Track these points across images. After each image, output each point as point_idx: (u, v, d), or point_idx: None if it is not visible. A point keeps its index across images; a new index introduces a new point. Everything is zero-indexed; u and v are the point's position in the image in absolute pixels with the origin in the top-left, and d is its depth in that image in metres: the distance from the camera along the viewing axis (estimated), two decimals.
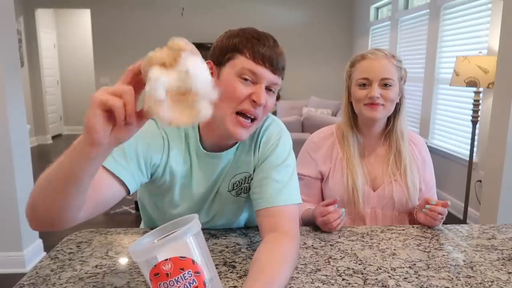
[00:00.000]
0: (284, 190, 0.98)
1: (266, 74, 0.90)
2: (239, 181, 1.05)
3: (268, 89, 0.93)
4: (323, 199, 1.35)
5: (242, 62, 0.90)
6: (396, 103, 1.29)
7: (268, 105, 0.93)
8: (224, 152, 1.02)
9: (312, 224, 1.18)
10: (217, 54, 0.94)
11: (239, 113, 0.91)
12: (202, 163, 1.02)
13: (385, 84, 1.24)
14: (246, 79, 0.90)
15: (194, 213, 0.88)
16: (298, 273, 0.90)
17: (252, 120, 0.93)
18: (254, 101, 0.90)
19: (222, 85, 0.89)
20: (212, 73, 0.89)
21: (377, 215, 1.30)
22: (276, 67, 0.91)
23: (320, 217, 1.12)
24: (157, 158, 0.97)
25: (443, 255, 1.00)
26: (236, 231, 1.13)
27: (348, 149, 1.31)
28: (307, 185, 1.33)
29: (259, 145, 1.03)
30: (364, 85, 1.25)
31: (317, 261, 0.96)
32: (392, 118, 1.32)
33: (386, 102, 1.24)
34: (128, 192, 0.91)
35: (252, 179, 1.04)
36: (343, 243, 1.07)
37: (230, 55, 0.92)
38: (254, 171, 1.04)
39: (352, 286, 0.85)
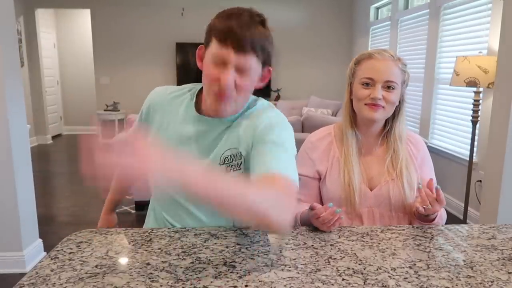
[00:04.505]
0: (282, 161, 0.97)
1: (230, 57, 0.96)
2: (230, 156, 1.09)
3: (242, 70, 0.97)
4: (321, 199, 1.35)
5: (213, 46, 0.98)
6: (396, 105, 1.29)
7: (240, 85, 0.99)
8: (213, 118, 1.09)
9: (310, 225, 1.18)
10: (205, 37, 1.03)
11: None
12: (188, 119, 1.11)
13: (388, 87, 1.24)
14: (216, 63, 0.98)
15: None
16: (298, 273, 0.90)
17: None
18: (219, 83, 0.97)
19: (203, 69, 1.02)
20: (201, 55, 1.04)
21: (374, 215, 1.30)
22: (242, 46, 0.94)
23: (315, 218, 1.13)
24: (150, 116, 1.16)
25: (443, 255, 1.00)
26: (236, 231, 1.13)
27: (347, 147, 1.31)
28: (305, 185, 1.33)
29: (258, 127, 1.05)
30: (367, 84, 1.25)
31: (317, 261, 0.96)
32: (390, 120, 1.32)
33: (387, 104, 1.24)
34: None
35: (241, 156, 1.08)
36: (343, 243, 1.07)
37: (208, 38, 1.00)
38: (245, 149, 1.07)
39: (352, 286, 0.85)
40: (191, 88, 1.18)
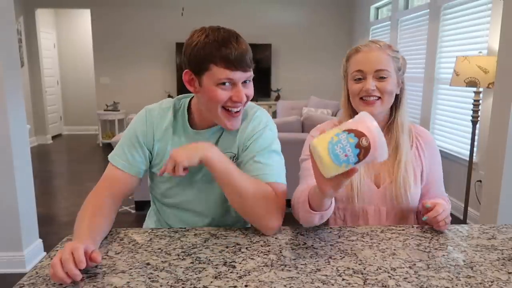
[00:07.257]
0: (268, 170, 1.11)
1: (239, 75, 1.05)
2: None
3: (244, 82, 1.08)
4: None
5: (217, 72, 1.03)
6: (396, 94, 1.27)
7: (248, 95, 1.09)
8: (208, 129, 1.17)
9: (319, 204, 1.01)
10: (193, 65, 1.06)
11: (225, 108, 1.08)
12: (186, 139, 1.17)
13: (380, 77, 1.22)
14: (224, 84, 1.05)
15: (182, 188, 1.18)
16: (298, 273, 0.90)
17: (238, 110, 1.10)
18: (235, 101, 1.06)
19: (205, 93, 1.07)
20: (192, 81, 1.08)
21: (381, 213, 1.27)
22: (246, 65, 1.05)
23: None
24: (150, 142, 1.18)
25: (443, 255, 1.00)
26: (236, 231, 1.13)
27: None
28: (310, 169, 1.31)
29: (246, 130, 1.15)
30: (359, 78, 1.24)
31: (317, 261, 0.96)
32: (393, 110, 1.30)
33: (383, 94, 1.22)
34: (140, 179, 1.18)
35: (237, 159, 1.16)
36: (343, 243, 1.07)
37: (205, 66, 1.04)
38: (238, 153, 1.16)
39: (352, 286, 0.85)
40: (174, 103, 1.20)
